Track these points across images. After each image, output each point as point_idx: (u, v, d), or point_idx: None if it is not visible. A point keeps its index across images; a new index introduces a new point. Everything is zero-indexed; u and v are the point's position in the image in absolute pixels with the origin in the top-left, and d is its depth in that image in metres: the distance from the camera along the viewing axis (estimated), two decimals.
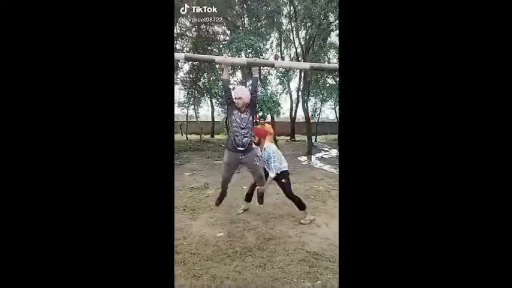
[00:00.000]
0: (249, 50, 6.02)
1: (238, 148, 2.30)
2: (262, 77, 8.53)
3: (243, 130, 2.36)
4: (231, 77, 8.70)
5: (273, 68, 8.70)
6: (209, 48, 8.38)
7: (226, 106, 2.50)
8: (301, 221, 2.58)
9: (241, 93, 2.37)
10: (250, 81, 2.50)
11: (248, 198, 2.96)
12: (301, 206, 2.62)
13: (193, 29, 8.70)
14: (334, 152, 9.08)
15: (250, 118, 2.39)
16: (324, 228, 2.48)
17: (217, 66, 8.33)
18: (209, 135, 12.63)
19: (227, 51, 7.70)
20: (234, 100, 2.33)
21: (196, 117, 13.53)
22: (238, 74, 8.19)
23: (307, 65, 2.44)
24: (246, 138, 2.36)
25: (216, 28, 9.05)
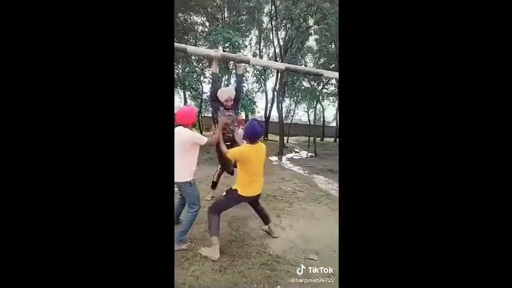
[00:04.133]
0: (226, 44, 5.85)
1: (226, 143, 2.29)
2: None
3: (229, 127, 2.34)
4: (206, 70, 8.42)
5: (250, 66, 8.63)
6: (185, 37, 8.00)
7: (211, 102, 2.44)
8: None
9: (228, 94, 2.34)
10: (235, 78, 2.57)
11: (214, 186, 3.18)
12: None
13: None
14: (304, 154, 9.32)
15: (235, 115, 2.39)
16: (288, 231, 2.48)
17: (192, 57, 8.01)
18: None
19: (204, 43, 7.42)
20: (224, 102, 2.28)
21: None
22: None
23: (282, 66, 2.39)
24: (231, 134, 2.35)
25: (195, 18, 8.69)
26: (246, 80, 10.26)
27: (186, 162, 1.96)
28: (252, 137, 1.95)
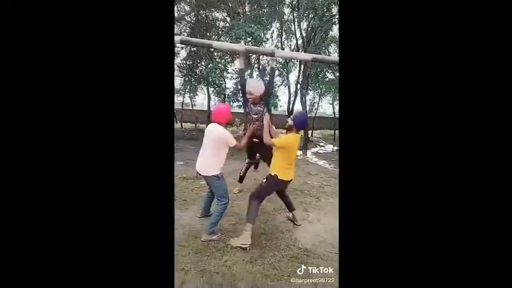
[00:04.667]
0: (248, 38, 5.82)
1: (254, 140, 2.23)
2: (260, 67, 8.34)
3: (258, 122, 2.29)
4: (228, 66, 8.48)
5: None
6: (208, 34, 8.10)
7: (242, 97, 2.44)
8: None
9: (252, 87, 2.29)
10: (257, 73, 2.49)
11: (241, 180, 3.16)
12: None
13: (192, 14, 8.39)
14: (330, 148, 9.09)
15: (265, 110, 2.32)
16: (316, 225, 2.45)
17: (215, 53, 8.09)
18: (205, 124, 12.46)
19: (226, 39, 7.46)
20: (247, 94, 2.24)
21: (192, 106, 13.29)
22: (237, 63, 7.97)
23: (309, 56, 2.33)
24: (260, 131, 2.26)
25: (216, 14, 8.74)
26: (268, 74, 10.18)
27: (216, 157, 2.01)
28: (301, 125, 2.06)
